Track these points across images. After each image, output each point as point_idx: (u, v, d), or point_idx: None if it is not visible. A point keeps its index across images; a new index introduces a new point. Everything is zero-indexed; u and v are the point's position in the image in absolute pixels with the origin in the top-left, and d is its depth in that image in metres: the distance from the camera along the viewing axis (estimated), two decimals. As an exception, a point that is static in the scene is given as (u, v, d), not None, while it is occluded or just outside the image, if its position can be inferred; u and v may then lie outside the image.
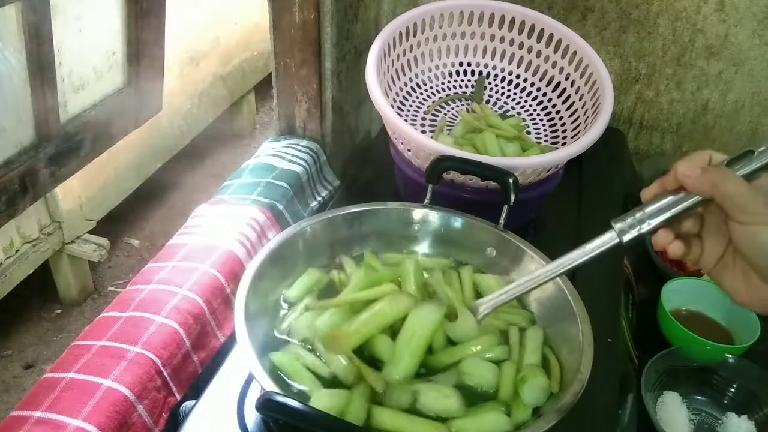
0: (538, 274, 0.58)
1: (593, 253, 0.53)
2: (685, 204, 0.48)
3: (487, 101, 1.05)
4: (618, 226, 0.51)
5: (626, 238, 0.50)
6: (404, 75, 1.00)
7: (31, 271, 1.55)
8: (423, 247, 0.78)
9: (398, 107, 0.98)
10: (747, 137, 1.32)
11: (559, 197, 0.96)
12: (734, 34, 1.22)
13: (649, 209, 0.49)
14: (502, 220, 0.74)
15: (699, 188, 0.47)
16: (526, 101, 1.04)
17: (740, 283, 0.48)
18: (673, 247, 0.50)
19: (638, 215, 0.50)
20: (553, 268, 0.57)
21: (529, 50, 1.02)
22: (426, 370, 0.61)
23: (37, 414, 0.60)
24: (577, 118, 0.97)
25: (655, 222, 0.49)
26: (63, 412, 0.60)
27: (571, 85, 0.99)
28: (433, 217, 0.77)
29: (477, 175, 0.79)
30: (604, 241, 0.52)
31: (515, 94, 1.05)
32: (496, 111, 1.03)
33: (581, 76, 0.97)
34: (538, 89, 1.04)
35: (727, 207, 0.45)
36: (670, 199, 0.49)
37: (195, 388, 0.71)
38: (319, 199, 1.04)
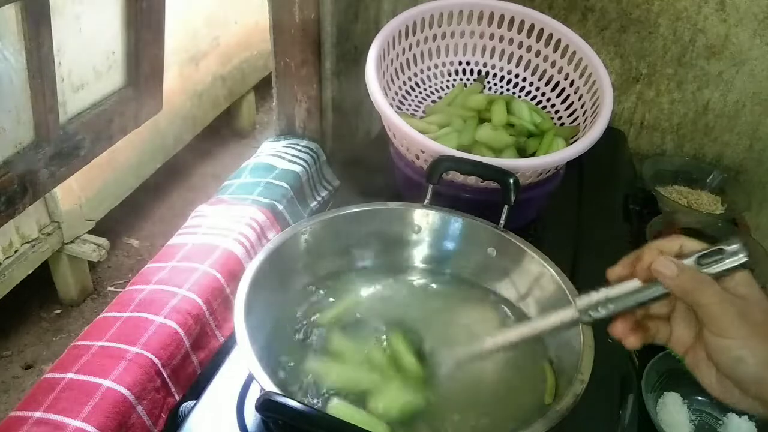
0: (498, 340, 0.57)
1: (550, 327, 0.53)
2: (651, 295, 0.47)
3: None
4: (580, 303, 0.50)
5: (585, 319, 0.50)
6: (403, 74, 1.00)
7: (30, 272, 1.55)
8: (423, 248, 0.78)
9: (397, 106, 0.98)
10: (748, 137, 1.32)
11: (560, 197, 0.96)
12: (735, 34, 1.22)
13: (613, 293, 0.48)
14: (502, 221, 0.74)
15: (674, 290, 0.45)
16: (525, 101, 1.04)
17: (714, 383, 0.46)
18: (629, 340, 0.48)
19: (600, 298, 0.49)
20: (513, 336, 0.55)
21: (528, 50, 1.02)
22: None
23: (37, 414, 0.60)
24: (576, 118, 0.97)
25: (616, 308, 0.48)
26: (62, 413, 0.60)
27: (570, 86, 0.99)
28: (433, 217, 0.77)
29: (477, 176, 0.79)
30: (563, 318, 0.52)
31: (514, 93, 1.04)
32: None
33: (580, 76, 0.97)
34: (537, 89, 1.03)
35: (701, 315, 0.44)
36: (635, 288, 0.48)
37: (194, 389, 0.71)
38: (319, 199, 1.04)
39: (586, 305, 0.50)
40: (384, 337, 0.66)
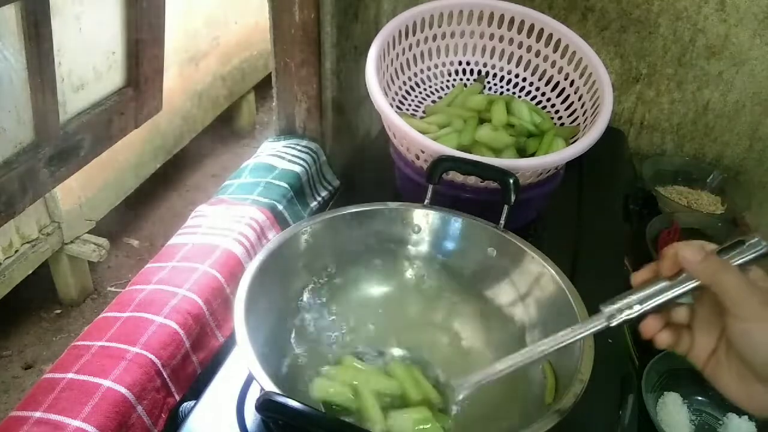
0: (523, 355, 0.55)
1: (580, 335, 0.52)
2: (678, 290, 0.47)
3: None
4: (607, 310, 0.50)
5: (614, 322, 0.50)
6: (403, 74, 1.00)
7: (30, 272, 1.55)
8: (423, 248, 0.78)
9: (397, 106, 0.98)
10: (747, 137, 1.32)
11: (560, 197, 0.96)
12: (735, 34, 1.22)
13: (640, 294, 0.48)
14: (502, 221, 0.74)
15: (699, 274, 0.46)
16: (525, 101, 1.04)
17: (735, 383, 0.46)
18: (661, 337, 0.49)
19: (628, 300, 0.49)
20: (540, 350, 0.54)
21: (528, 50, 1.02)
22: None
23: (37, 414, 0.60)
24: (576, 118, 0.97)
25: (645, 307, 0.48)
26: (62, 413, 0.60)
27: (570, 86, 0.99)
28: (434, 217, 0.77)
29: (477, 176, 0.79)
30: (593, 324, 0.51)
31: (514, 93, 1.05)
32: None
33: (580, 76, 0.97)
34: (537, 89, 1.03)
35: (724, 299, 0.44)
36: (662, 285, 0.48)
37: (194, 389, 0.71)
38: (319, 199, 1.04)
39: (612, 311, 0.50)
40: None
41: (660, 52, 1.28)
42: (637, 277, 0.50)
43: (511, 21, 1.00)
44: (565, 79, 1.00)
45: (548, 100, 1.02)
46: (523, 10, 0.99)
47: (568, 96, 0.99)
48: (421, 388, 0.63)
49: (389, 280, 0.76)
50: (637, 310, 0.48)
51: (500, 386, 0.63)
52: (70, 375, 0.63)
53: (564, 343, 0.53)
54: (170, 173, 2.16)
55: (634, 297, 0.49)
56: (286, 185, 0.96)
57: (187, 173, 2.26)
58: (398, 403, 0.62)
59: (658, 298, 0.48)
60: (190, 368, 0.72)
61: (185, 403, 0.68)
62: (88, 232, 1.69)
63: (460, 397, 0.59)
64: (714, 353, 0.47)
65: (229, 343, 0.77)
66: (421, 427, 0.59)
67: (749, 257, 0.46)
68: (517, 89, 1.05)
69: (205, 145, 2.34)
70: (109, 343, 0.67)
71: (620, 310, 0.49)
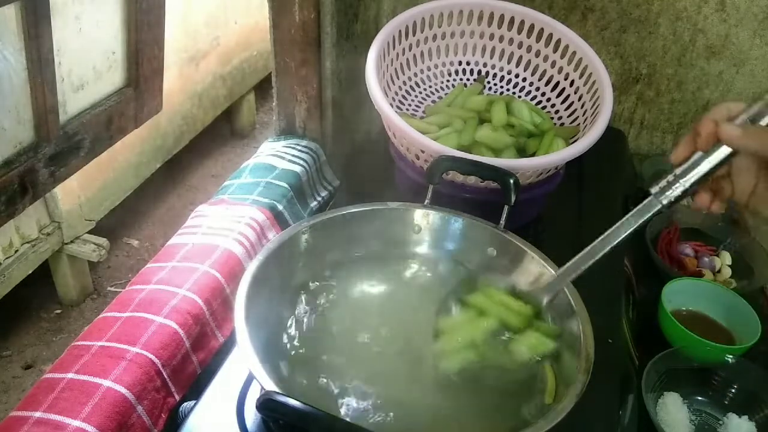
0: (593, 247, 0.60)
1: (639, 222, 0.55)
2: (720, 158, 0.50)
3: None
4: (655, 189, 0.53)
5: (665, 200, 0.53)
6: (403, 74, 1.00)
7: (30, 272, 1.55)
8: (423, 248, 0.78)
9: (397, 106, 0.98)
10: (747, 137, 1.32)
11: (560, 197, 0.96)
12: (735, 35, 1.22)
13: (683, 168, 0.52)
14: (502, 221, 0.74)
15: (747, 146, 0.49)
16: (525, 101, 1.04)
17: None
18: (715, 207, 0.54)
19: (672, 177, 0.52)
20: (607, 239, 0.58)
21: (528, 50, 1.02)
22: None
23: (37, 414, 0.60)
24: (576, 118, 0.97)
25: (692, 180, 0.52)
26: (62, 413, 0.60)
27: (570, 85, 0.99)
28: (434, 217, 0.77)
29: (477, 176, 0.79)
30: (649, 207, 0.54)
31: (514, 93, 1.04)
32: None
33: (580, 76, 0.97)
34: (537, 89, 1.03)
35: None
36: (700, 156, 0.51)
37: (194, 389, 0.71)
38: (319, 199, 1.04)
39: (662, 188, 0.53)
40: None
41: (660, 52, 1.28)
42: (676, 156, 0.53)
43: (511, 21, 1.00)
44: (565, 79, 1.00)
45: (548, 100, 1.02)
46: (523, 10, 0.99)
47: (568, 96, 0.99)
48: (513, 310, 0.66)
49: (389, 280, 0.76)
50: (682, 186, 0.52)
51: (500, 386, 0.63)
52: (70, 375, 0.63)
53: (629, 232, 0.56)
54: (170, 173, 2.16)
55: (676, 175, 0.52)
56: (286, 185, 0.96)
57: (187, 173, 2.26)
58: (502, 331, 0.65)
59: (701, 169, 0.51)
60: (190, 368, 0.72)
61: (185, 403, 0.68)
62: (88, 232, 1.69)
63: (552, 293, 0.64)
64: (753, 192, 0.52)
65: (229, 343, 0.77)
66: (539, 349, 0.63)
67: None
68: (517, 89, 1.05)
69: (205, 145, 2.34)
70: (109, 343, 0.67)
71: (670, 185, 0.52)
